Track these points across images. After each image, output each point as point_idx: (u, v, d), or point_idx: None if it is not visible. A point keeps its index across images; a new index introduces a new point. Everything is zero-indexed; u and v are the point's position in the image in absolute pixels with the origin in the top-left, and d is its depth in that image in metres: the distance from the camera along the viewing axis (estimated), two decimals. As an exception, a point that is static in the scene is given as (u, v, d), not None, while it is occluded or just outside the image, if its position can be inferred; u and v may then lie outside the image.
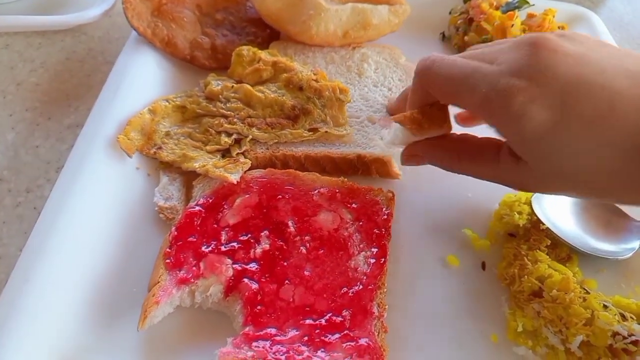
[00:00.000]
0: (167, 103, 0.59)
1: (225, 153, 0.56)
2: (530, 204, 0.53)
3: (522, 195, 0.55)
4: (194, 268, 0.45)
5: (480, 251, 0.53)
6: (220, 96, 0.60)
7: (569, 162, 0.39)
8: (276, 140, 0.57)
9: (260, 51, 0.65)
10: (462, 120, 0.55)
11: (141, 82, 0.61)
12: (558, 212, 0.54)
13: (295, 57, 0.68)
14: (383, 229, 0.50)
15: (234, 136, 0.57)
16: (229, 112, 0.58)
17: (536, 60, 0.39)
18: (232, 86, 0.60)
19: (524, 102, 0.38)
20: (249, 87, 0.60)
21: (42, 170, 0.57)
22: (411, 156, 0.52)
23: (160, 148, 0.55)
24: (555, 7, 0.80)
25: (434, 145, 0.50)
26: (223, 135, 0.57)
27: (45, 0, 0.74)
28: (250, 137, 0.57)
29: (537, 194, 0.54)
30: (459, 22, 0.77)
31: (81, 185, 0.49)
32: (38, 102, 0.64)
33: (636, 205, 0.47)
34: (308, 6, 0.66)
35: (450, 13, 0.80)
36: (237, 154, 0.55)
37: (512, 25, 0.70)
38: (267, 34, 0.71)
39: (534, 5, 0.78)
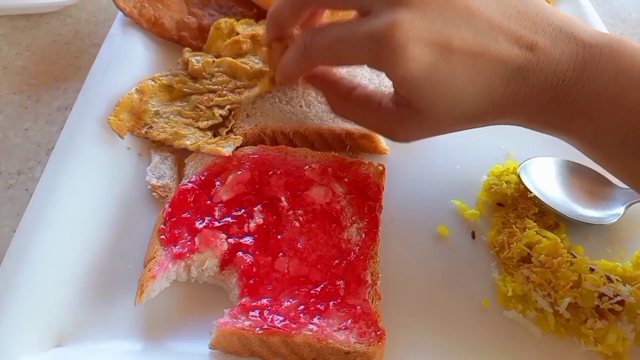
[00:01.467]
0: (153, 82, 0.59)
1: (216, 132, 0.56)
2: (517, 174, 0.54)
3: (510, 165, 0.56)
4: (189, 243, 0.45)
5: (469, 221, 0.54)
6: (204, 72, 0.59)
7: (451, 97, 0.41)
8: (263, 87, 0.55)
9: (237, 23, 0.64)
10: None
11: (129, 62, 0.61)
12: (544, 181, 0.55)
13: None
14: (374, 202, 0.50)
15: (227, 106, 0.57)
16: (216, 87, 0.58)
17: (409, 3, 0.39)
18: (213, 61, 0.60)
19: (409, 45, 0.38)
20: (231, 59, 0.59)
21: (33, 152, 0.57)
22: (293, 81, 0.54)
23: (151, 127, 0.55)
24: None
25: (318, 79, 0.51)
26: (216, 109, 0.56)
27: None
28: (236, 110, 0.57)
29: (524, 164, 0.55)
30: None
31: (72, 166, 0.49)
32: (25, 85, 0.63)
33: (510, 124, 0.47)
34: None
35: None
36: (227, 132, 0.55)
37: None
38: (253, 13, 0.70)
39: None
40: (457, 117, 0.44)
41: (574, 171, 0.56)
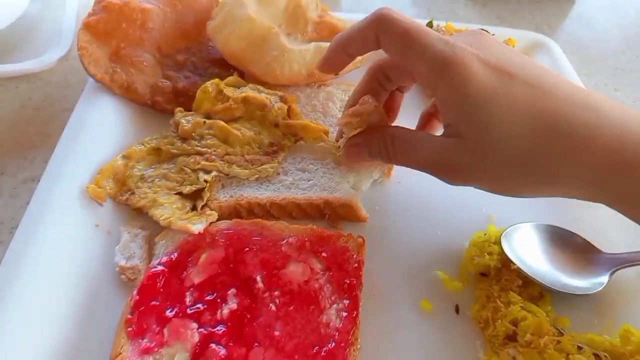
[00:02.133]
0: (142, 146, 0.58)
1: (195, 204, 0.54)
2: (499, 244, 0.53)
3: (492, 234, 0.55)
4: (158, 335, 0.42)
5: (453, 293, 0.52)
6: (194, 134, 0.58)
7: (507, 127, 0.40)
8: (257, 176, 0.56)
9: (224, 85, 0.63)
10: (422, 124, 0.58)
11: (101, 130, 0.59)
12: (527, 249, 0.53)
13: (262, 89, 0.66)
14: (354, 279, 0.49)
15: (213, 173, 0.55)
16: (205, 150, 0.56)
17: (480, 40, 0.43)
18: (204, 122, 0.58)
19: (472, 64, 0.40)
20: (223, 123, 0.58)
21: (-5, 230, 0.54)
22: (352, 146, 0.53)
23: (133, 193, 0.54)
24: (515, 35, 0.81)
25: (372, 132, 0.51)
26: (201, 173, 0.55)
27: (-2, 43, 0.71)
28: (213, 179, 0.55)
29: (506, 232, 0.54)
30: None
31: (37, 248, 0.47)
32: (-10, 155, 0.61)
33: (571, 196, 0.45)
34: (271, 47, 0.65)
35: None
36: (202, 206, 0.53)
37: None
38: (230, 74, 0.69)
39: (494, 35, 0.78)
40: (508, 156, 0.41)
41: (557, 237, 0.55)
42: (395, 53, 0.46)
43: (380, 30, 0.45)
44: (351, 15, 0.82)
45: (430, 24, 0.80)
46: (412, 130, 0.51)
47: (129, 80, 0.63)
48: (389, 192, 0.61)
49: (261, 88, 0.64)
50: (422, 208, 0.59)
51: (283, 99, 0.62)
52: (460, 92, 0.41)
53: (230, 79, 0.65)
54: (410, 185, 0.61)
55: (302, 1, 0.72)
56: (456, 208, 0.59)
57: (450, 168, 0.45)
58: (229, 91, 0.61)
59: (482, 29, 0.75)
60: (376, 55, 0.52)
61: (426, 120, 0.58)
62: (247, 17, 0.66)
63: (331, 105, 0.67)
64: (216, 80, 0.63)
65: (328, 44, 0.67)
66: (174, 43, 0.68)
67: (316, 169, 0.59)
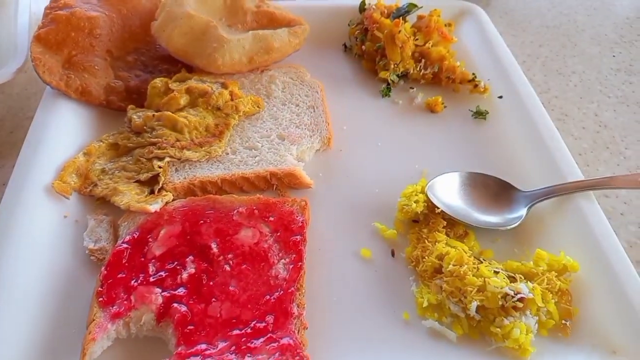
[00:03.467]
0: (100, 143, 0.63)
1: (153, 189, 0.59)
2: (425, 193, 0.59)
3: (420, 184, 0.61)
4: (126, 302, 0.48)
5: (389, 240, 0.58)
6: (145, 127, 0.63)
7: None
8: (207, 157, 0.61)
9: (171, 81, 0.69)
10: None
11: (61, 133, 0.63)
12: (450, 195, 0.60)
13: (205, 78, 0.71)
14: (299, 236, 0.54)
15: (167, 159, 0.60)
16: (157, 139, 0.61)
17: None
18: (153, 115, 0.64)
19: None
20: (170, 113, 0.63)
21: (-26, 231, 0.59)
22: None
23: (95, 185, 0.59)
24: (441, 6, 0.87)
25: None
26: (155, 160, 0.60)
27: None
28: (170, 160, 0.61)
29: (431, 183, 0.60)
30: (356, 32, 0.83)
31: (11, 242, 0.51)
32: (-38, 166, 0.65)
33: None
34: (211, 39, 0.70)
35: (349, 25, 0.86)
36: (159, 190, 0.58)
37: (400, 31, 0.75)
38: (178, 68, 0.74)
39: (422, 7, 0.84)
40: None
41: (477, 182, 0.62)
42: None
43: None
44: (289, 2, 0.87)
45: (362, 3, 0.85)
46: None
47: (83, 84, 0.68)
48: (331, 160, 0.67)
49: (205, 78, 0.69)
50: (361, 171, 0.65)
51: (224, 85, 0.67)
52: None
53: (177, 75, 0.70)
54: (351, 152, 0.67)
55: None
56: (392, 167, 0.65)
57: None
58: (174, 85, 0.66)
59: (412, 3, 0.81)
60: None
61: None
62: (187, 14, 0.71)
63: (274, 87, 0.72)
64: (164, 78, 0.68)
65: (265, 31, 0.73)
66: (123, 46, 0.73)
67: (262, 146, 0.65)
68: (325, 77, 0.77)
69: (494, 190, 0.61)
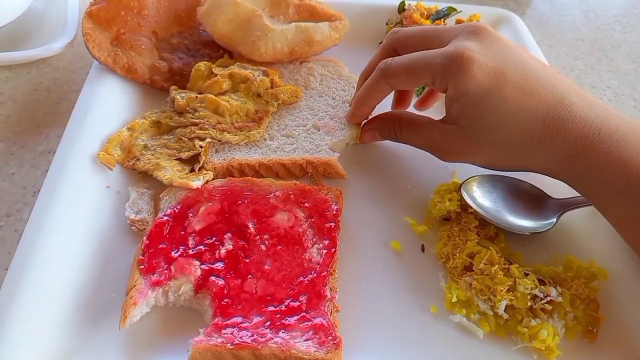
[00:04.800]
0: (144, 120, 0.65)
1: (194, 167, 0.61)
2: (459, 191, 0.60)
3: (452, 184, 0.62)
4: (166, 271, 0.50)
5: (419, 235, 0.60)
6: (188, 107, 0.65)
7: (495, 120, 0.51)
8: (246, 141, 0.63)
9: (214, 65, 0.71)
10: (419, 104, 0.69)
11: (106, 107, 0.65)
12: (484, 196, 0.61)
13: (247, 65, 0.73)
14: (333, 223, 0.56)
15: (208, 140, 0.62)
16: (199, 120, 0.63)
17: (481, 39, 0.52)
18: (196, 97, 0.66)
19: (474, 65, 0.50)
20: (213, 96, 0.65)
21: (20, 195, 0.61)
22: (367, 131, 0.65)
23: (138, 159, 0.61)
24: (480, 11, 0.88)
25: (382, 118, 0.64)
26: (196, 140, 0.62)
27: (8, 34, 0.77)
28: (213, 141, 0.63)
29: (465, 182, 0.61)
30: (395, 31, 0.84)
31: (57, 206, 0.53)
32: (10, 133, 0.67)
33: (541, 172, 0.56)
34: (255, 28, 0.71)
35: (387, 24, 0.87)
36: (199, 168, 0.60)
37: (440, 33, 0.77)
38: (220, 54, 0.76)
39: (461, 11, 0.85)
40: (496, 142, 0.53)
41: (511, 185, 0.62)
42: (408, 86, 0.61)
43: (386, 80, 0.58)
44: None
45: (402, 4, 0.87)
46: (416, 115, 0.62)
47: (129, 62, 0.70)
48: (364, 153, 0.68)
49: (247, 65, 0.71)
50: (395, 166, 0.67)
51: (265, 73, 0.69)
52: (461, 91, 0.51)
53: (220, 60, 0.72)
54: (383, 148, 0.68)
55: None
56: (424, 165, 0.66)
57: (447, 149, 0.58)
58: (217, 70, 0.68)
59: (451, 6, 0.82)
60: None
61: (428, 94, 0.69)
62: (233, 1, 0.72)
63: (312, 79, 0.74)
64: (208, 62, 0.70)
65: (307, 23, 0.75)
66: (168, 28, 0.75)
67: (298, 134, 0.66)
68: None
69: (527, 195, 0.62)
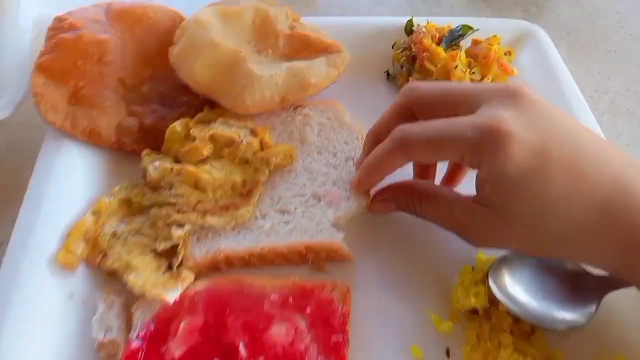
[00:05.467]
0: (111, 198, 0.55)
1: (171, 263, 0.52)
2: (486, 281, 0.51)
3: (479, 269, 0.53)
4: (141, 421, 0.41)
5: (443, 335, 0.51)
6: (163, 182, 0.55)
7: (540, 205, 0.42)
8: (234, 223, 0.54)
9: (193, 122, 0.60)
10: (446, 182, 0.58)
11: (65, 184, 0.56)
12: (516, 284, 0.51)
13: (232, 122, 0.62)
14: (340, 335, 0.47)
15: (187, 227, 0.52)
16: (176, 200, 0.54)
17: (516, 107, 0.43)
18: (172, 169, 0.55)
19: (512, 141, 0.41)
20: (192, 168, 0.55)
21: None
22: (380, 201, 0.55)
23: (105, 255, 0.51)
24: (499, 27, 0.76)
25: (399, 188, 0.54)
26: (174, 228, 0.52)
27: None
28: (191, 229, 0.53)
29: (493, 268, 0.51)
30: (402, 59, 0.72)
31: (8, 332, 0.44)
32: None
33: (594, 265, 0.48)
34: (240, 75, 0.60)
35: (393, 48, 0.75)
36: (178, 265, 0.50)
37: (456, 66, 0.65)
38: (200, 101, 0.65)
39: (478, 30, 0.73)
40: (539, 230, 0.43)
41: (546, 265, 0.53)
42: (431, 160, 0.53)
43: (405, 152, 0.48)
44: (325, 19, 0.77)
45: (410, 24, 0.75)
46: (439, 187, 0.54)
47: (91, 124, 0.59)
48: (375, 225, 0.58)
49: (232, 121, 0.60)
50: (409, 239, 0.57)
51: (253, 132, 0.59)
52: (497, 173, 0.42)
53: (200, 115, 0.61)
54: (396, 216, 0.58)
55: (269, 13, 0.68)
56: (445, 237, 0.56)
57: (477, 233, 0.48)
58: (196, 131, 0.58)
59: (467, 25, 0.71)
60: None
61: (454, 170, 0.58)
62: (212, 43, 0.61)
63: (308, 130, 0.64)
64: (185, 119, 0.59)
65: (300, 63, 0.63)
66: (138, 73, 0.64)
67: (295, 209, 0.56)
68: (364, 113, 0.68)
69: (564, 273, 0.53)
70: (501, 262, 0.52)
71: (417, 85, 0.51)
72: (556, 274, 0.53)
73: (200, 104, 0.65)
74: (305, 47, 0.67)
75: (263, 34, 0.67)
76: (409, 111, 0.51)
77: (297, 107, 0.66)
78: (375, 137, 0.54)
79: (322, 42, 0.68)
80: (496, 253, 0.52)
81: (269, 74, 0.61)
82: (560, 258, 0.48)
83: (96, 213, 0.54)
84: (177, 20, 0.67)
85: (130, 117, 0.62)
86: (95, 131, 0.59)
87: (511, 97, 0.44)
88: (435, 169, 0.58)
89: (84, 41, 0.60)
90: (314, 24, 0.71)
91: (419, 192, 0.52)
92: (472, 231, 0.49)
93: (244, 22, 0.67)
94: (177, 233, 0.51)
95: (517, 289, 0.51)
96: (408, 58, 0.72)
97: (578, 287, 0.52)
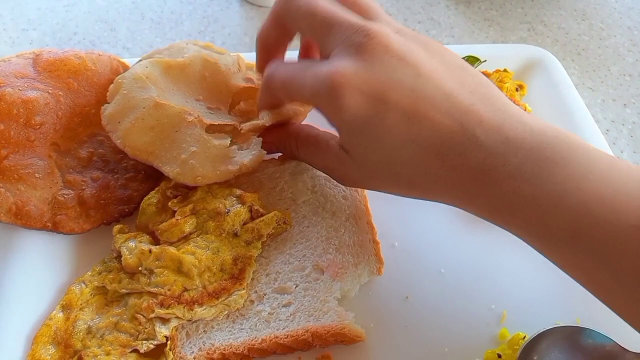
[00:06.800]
0: (82, 286, 0.62)
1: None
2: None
3: (505, 355, 0.63)
4: None
5: None
6: (141, 268, 0.62)
7: (383, 154, 0.56)
8: (227, 312, 0.62)
9: (169, 190, 0.69)
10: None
11: (26, 274, 0.63)
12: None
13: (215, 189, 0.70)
14: None
15: (173, 324, 0.59)
16: (157, 289, 0.60)
17: (362, 54, 0.55)
18: (150, 251, 0.62)
19: (345, 93, 0.54)
20: (173, 251, 0.62)
21: None
22: (266, 144, 0.71)
23: (80, 359, 0.57)
24: (506, 54, 0.92)
25: (279, 134, 0.72)
26: (157, 324, 0.59)
27: None
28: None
29: (522, 354, 0.61)
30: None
31: None
32: None
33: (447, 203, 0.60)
34: (187, 140, 0.67)
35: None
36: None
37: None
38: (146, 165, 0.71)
39: (485, 61, 0.88)
40: (391, 176, 0.59)
41: (582, 345, 0.63)
42: (288, 102, 0.71)
43: (270, 92, 0.67)
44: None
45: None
46: (316, 132, 0.68)
47: (18, 201, 0.65)
48: (382, 296, 0.68)
49: (215, 187, 0.69)
50: (422, 316, 0.67)
51: (241, 199, 0.67)
52: (338, 123, 0.58)
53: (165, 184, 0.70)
54: (408, 283, 0.69)
55: (219, 65, 0.77)
56: (462, 308, 0.68)
57: (343, 177, 0.66)
58: (175, 203, 0.66)
59: (472, 56, 0.85)
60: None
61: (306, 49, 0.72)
62: (153, 103, 0.68)
63: (301, 185, 0.73)
64: (161, 187, 0.68)
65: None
66: (74, 134, 0.71)
67: (296, 287, 0.65)
68: None
69: (602, 357, 0.62)
70: (529, 346, 0.61)
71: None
72: (592, 356, 0.63)
73: (152, 169, 0.72)
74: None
75: (214, 89, 0.76)
76: (283, 27, 0.66)
77: (284, 159, 0.76)
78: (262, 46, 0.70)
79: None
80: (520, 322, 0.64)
81: (223, 145, 0.69)
82: (417, 198, 0.61)
83: (66, 307, 0.60)
84: (119, 71, 0.76)
85: (67, 189, 0.69)
86: (22, 210, 0.65)
87: (359, 45, 0.55)
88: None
89: (6, 101, 0.67)
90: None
91: (297, 136, 0.69)
92: (339, 175, 0.66)
93: (191, 76, 0.75)
94: (162, 332, 0.58)
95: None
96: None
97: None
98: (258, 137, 0.71)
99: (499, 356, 0.62)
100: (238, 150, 0.70)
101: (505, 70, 0.86)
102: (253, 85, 0.77)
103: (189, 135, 0.68)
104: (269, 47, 0.69)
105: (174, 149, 0.68)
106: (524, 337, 0.63)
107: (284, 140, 0.70)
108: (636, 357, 0.62)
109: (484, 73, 0.86)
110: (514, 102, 0.83)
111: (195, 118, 0.69)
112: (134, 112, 0.68)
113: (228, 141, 0.70)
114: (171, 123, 0.68)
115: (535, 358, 0.61)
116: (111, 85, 0.72)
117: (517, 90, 0.86)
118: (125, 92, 0.70)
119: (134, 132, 0.68)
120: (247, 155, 0.69)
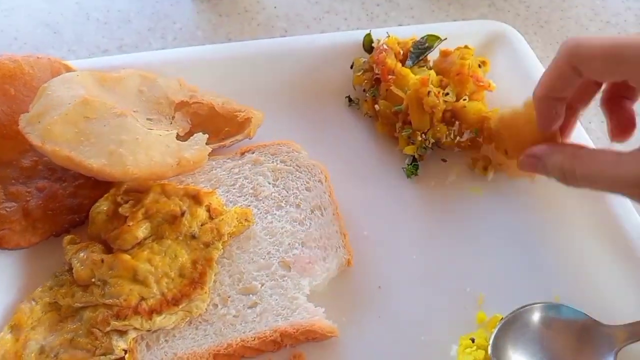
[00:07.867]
0: (33, 304, 0.60)
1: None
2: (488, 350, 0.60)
3: (480, 340, 0.62)
4: None
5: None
6: (94, 279, 0.60)
7: None
8: (189, 318, 0.60)
9: (120, 195, 0.67)
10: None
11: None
12: (523, 349, 0.61)
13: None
14: None
15: (131, 335, 0.58)
16: (112, 300, 0.58)
17: None
18: (102, 260, 0.60)
19: None
20: (127, 258, 0.60)
21: None
22: (529, 157, 0.62)
23: None
24: (467, 30, 0.91)
25: (551, 147, 0.61)
26: (115, 337, 0.57)
27: None
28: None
29: (494, 336, 0.61)
30: (364, 82, 0.83)
31: None
32: None
33: None
34: (116, 132, 0.65)
35: (352, 68, 0.86)
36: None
37: (429, 92, 0.76)
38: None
39: (446, 39, 0.86)
40: None
41: (554, 323, 0.63)
42: (602, 73, 0.56)
43: (576, 57, 0.54)
44: (270, 42, 0.89)
45: (368, 39, 0.86)
46: (594, 148, 0.61)
47: (-46, 218, 0.63)
48: (354, 286, 0.67)
49: (168, 189, 0.67)
50: (398, 307, 0.66)
51: (197, 199, 0.65)
52: None
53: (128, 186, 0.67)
54: (378, 272, 0.68)
55: (158, 81, 0.77)
56: (437, 294, 0.67)
57: None
58: (126, 208, 0.64)
59: (432, 35, 0.84)
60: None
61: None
62: (81, 100, 0.66)
63: (261, 179, 0.72)
64: (111, 193, 0.66)
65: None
66: (14, 144, 0.69)
67: (261, 286, 0.63)
68: (326, 149, 0.79)
69: (574, 329, 0.63)
70: (504, 325, 0.62)
71: (579, 38, 0.56)
72: (566, 331, 0.63)
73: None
74: (210, 121, 0.77)
75: (154, 101, 0.75)
76: (573, 71, 0.56)
77: (244, 152, 0.75)
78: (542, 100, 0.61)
79: (228, 110, 0.78)
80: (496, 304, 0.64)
81: (157, 133, 0.67)
82: None
83: (15, 328, 0.58)
84: (61, 73, 0.73)
85: (9, 202, 0.66)
86: (-37, 230, 0.63)
87: None
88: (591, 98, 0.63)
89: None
90: (215, 92, 0.81)
91: (572, 152, 0.58)
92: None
93: (127, 89, 0.74)
94: (120, 345, 0.56)
95: (525, 352, 0.61)
96: (371, 80, 0.83)
97: (590, 341, 0.62)
98: None
99: (473, 341, 0.62)
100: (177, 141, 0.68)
101: (466, 47, 0.84)
102: (197, 101, 0.77)
103: (119, 126, 0.65)
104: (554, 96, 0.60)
105: (101, 142, 0.64)
106: (502, 319, 0.62)
107: (555, 158, 0.59)
108: (609, 329, 0.62)
109: (445, 52, 0.85)
110: (477, 79, 0.83)
111: (126, 111, 0.67)
112: (58, 109, 0.65)
113: (166, 131, 0.69)
114: (99, 118, 0.65)
115: (509, 339, 0.61)
116: (36, 96, 0.68)
117: (479, 66, 0.85)
118: (49, 93, 0.67)
119: (57, 126, 0.63)
120: (187, 149, 0.66)
